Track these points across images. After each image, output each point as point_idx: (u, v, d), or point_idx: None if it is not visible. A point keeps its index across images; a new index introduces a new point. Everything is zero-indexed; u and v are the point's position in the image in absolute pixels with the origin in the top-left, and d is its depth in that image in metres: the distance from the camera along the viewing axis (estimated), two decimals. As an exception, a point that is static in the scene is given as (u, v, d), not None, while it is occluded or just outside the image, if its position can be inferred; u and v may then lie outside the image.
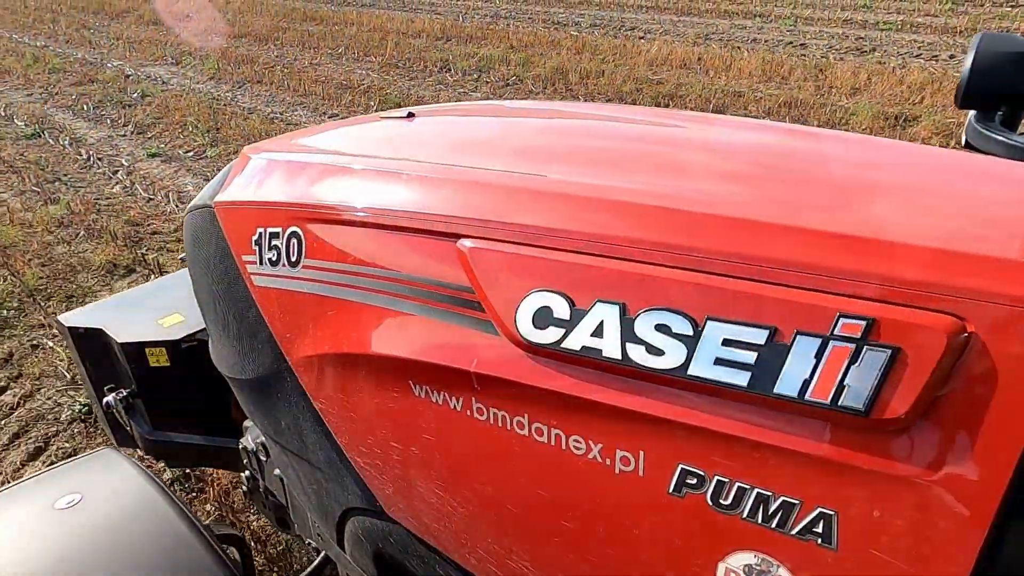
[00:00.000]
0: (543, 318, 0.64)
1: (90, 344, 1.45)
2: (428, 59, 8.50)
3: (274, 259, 0.90)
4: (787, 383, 0.52)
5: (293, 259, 0.87)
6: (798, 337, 0.52)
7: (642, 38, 9.15)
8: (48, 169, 5.62)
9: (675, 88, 6.63)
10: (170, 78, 8.62)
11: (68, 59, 10.00)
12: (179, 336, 1.37)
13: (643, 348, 0.58)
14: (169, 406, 1.49)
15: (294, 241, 0.87)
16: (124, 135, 6.46)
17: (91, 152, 5.98)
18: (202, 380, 1.31)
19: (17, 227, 4.49)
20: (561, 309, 0.63)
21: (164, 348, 1.36)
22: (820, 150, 0.82)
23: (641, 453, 0.61)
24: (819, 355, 0.51)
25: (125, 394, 1.44)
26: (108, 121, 6.91)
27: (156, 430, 1.49)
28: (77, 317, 1.48)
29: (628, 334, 0.59)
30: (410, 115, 1.09)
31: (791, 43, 8.41)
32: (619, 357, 0.60)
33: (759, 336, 0.54)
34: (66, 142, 6.27)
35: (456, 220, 0.73)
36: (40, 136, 6.54)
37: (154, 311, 1.46)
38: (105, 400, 1.44)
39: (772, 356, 0.53)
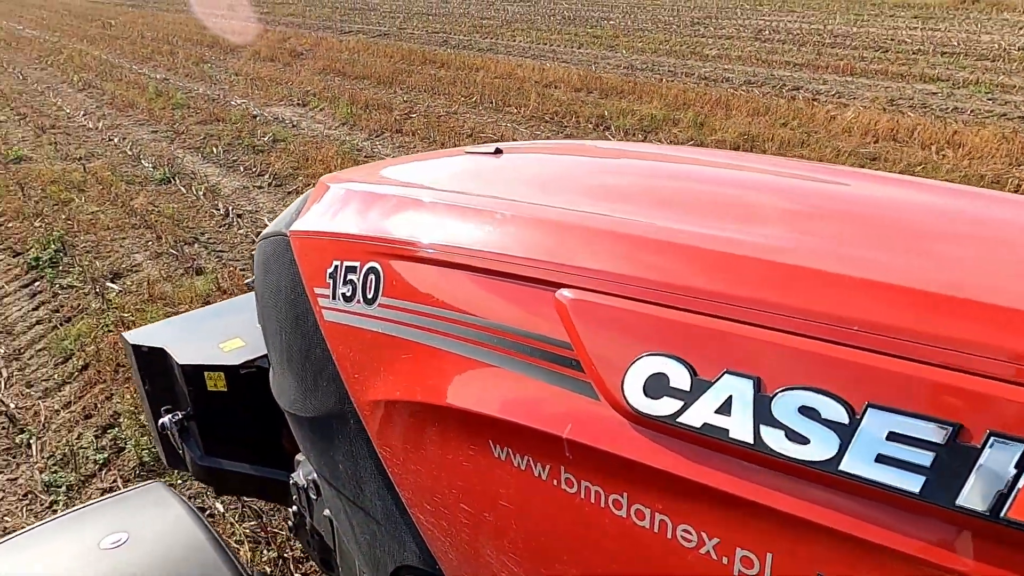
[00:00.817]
0: (657, 386, 0.56)
1: (152, 363, 1.42)
2: (579, 114, 7.66)
3: (348, 294, 0.85)
4: (975, 495, 0.43)
5: (369, 296, 0.82)
6: (992, 440, 0.43)
7: (815, 100, 8.10)
8: (184, 225, 4.91)
9: (904, 168, 5.53)
10: (299, 121, 8.03)
11: (190, 94, 9.63)
12: (238, 362, 1.32)
13: (782, 433, 0.50)
14: (222, 432, 1.45)
15: (372, 277, 0.82)
16: (261, 187, 5.76)
17: (229, 206, 5.26)
18: (257, 409, 1.28)
19: (158, 304, 3.70)
20: (680, 378, 0.55)
21: (222, 373, 1.31)
22: (1007, 215, 0.71)
23: (769, 556, 0.52)
24: (1022, 466, 0.42)
25: (181, 416, 1.39)
26: (241, 168, 6.25)
27: (207, 455, 1.44)
28: (141, 335, 1.46)
29: (763, 415, 0.51)
30: (497, 151, 1.03)
31: (1005, 115, 7.21)
32: (750, 441, 0.51)
33: (937, 433, 0.45)
34: (199, 192, 5.60)
35: (557, 267, 0.67)
36: (171, 182, 5.91)
37: (216, 334, 1.41)
38: (161, 421, 1.39)
39: (956, 460, 0.44)
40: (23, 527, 1.19)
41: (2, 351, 3.38)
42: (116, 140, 7.37)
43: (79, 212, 5.20)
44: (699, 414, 0.53)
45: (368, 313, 0.82)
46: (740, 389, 0.52)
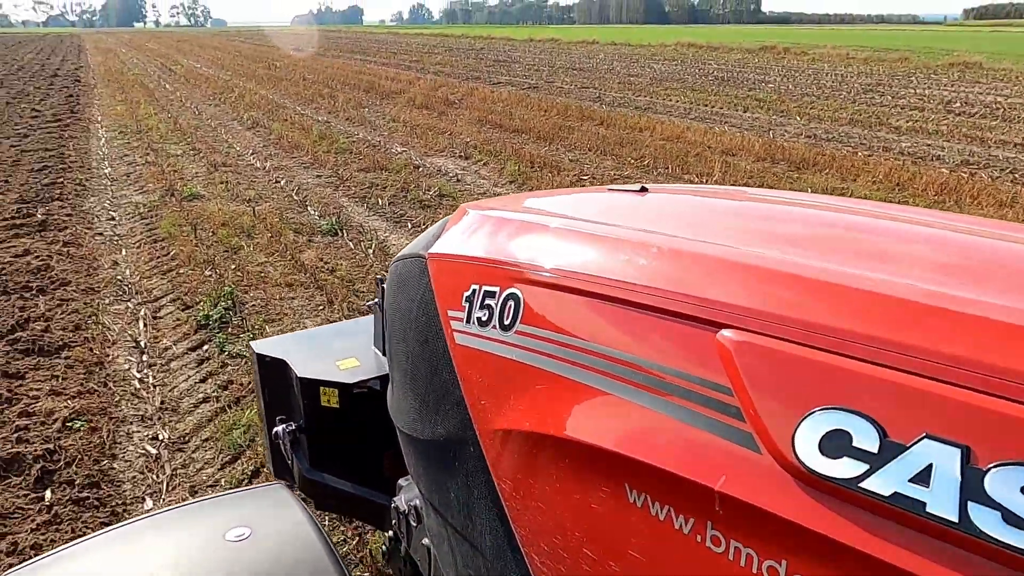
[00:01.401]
0: (836, 444, 0.50)
1: (273, 373, 1.47)
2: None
3: (484, 319, 0.83)
4: None
5: (506, 322, 0.79)
6: None
7: (1065, 190, 6.75)
8: (355, 288, 4.45)
9: None
10: (462, 175, 7.65)
11: (352, 139, 9.60)
12: (352, 380, 1.35)
13: (998, 516, 0.43)
14: (329, 448, 1.46)
15: (511, 303, 0.80)
16: (433, 248, 5.27)
17: (401, 269, 4.78)
18: (364, 429, 1.31)
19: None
20: (865, 437, 0.49)
21: (337, 390, 1.35)
22: None
23: None
24: None
25: (293, 428, 1.43)
26: (409, 224, 5.83)
27: (313, 469, 1.46)
28: (267, 345, 1.51)
29: (973, 491, 0.44)
30: (643, 189, 1.02)
31: None
32: (955, 520, 0.45)
33: None
34: (368, 249, 5.18)
35: (721, 307, 0.62)
36: (338, 235, 5.56)
37: (335, 352, 1.44)
38: (275, 430, 1.43)
39: None
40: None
41: (167, 435, 2.92)
42: (283, 183, 7.25)
43: (248, 261, 4.90)
44: (888, 481, 0.47)
45: (504, 339, 0.79)
46: (943, 458, 0.46)
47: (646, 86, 16.72)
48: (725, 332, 0.59)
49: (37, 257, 4.85)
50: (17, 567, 0.93)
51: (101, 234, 5.61)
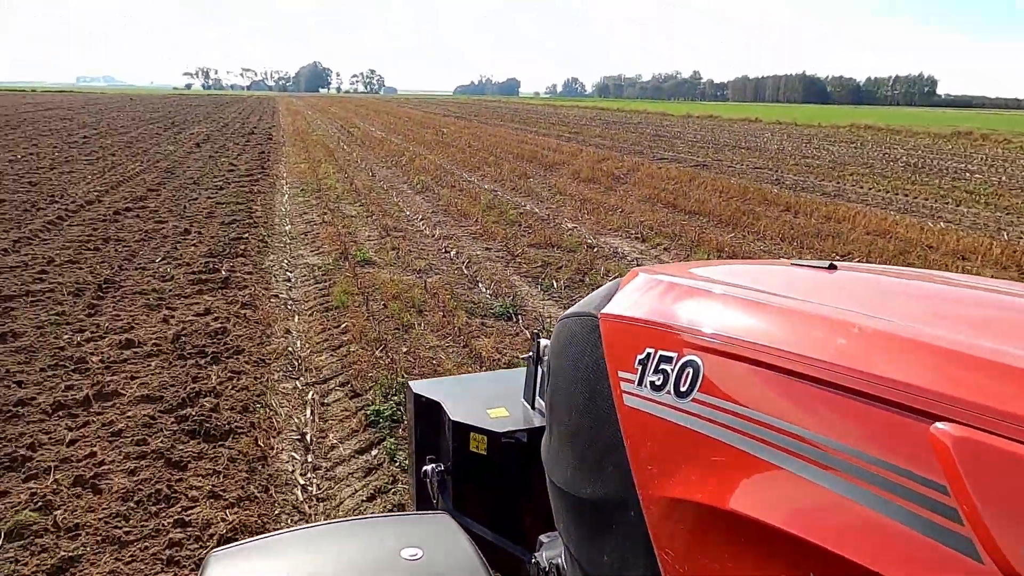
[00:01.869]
0: None
1: (426, 413, 1.51)
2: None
3: (659, 383, 0.81)
4: None
5: (683, 389, 0.77)
6: None
7: None
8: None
9: None
10: (642, 260, 7.00)
11: (520, 210, 9.32)
12: (502, 430, 1.37)
13: None
14: (472, 493, 1.46)
15: (689, 370, 0.77)
16: (621, 348, 4.60)
17: (587, 372, 4.14)
18: (508, 479, 1.33)
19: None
20: None
21: (486, 437, 1.36)
22: None
23: None
24: None
25: (442, 469, 1.45)
26: (589, 314, 5.22)
27: (456, 511, 1.45)
28: (423, 386, 1.56)
29: None
30: (832, 266, 0.96)
31: None
32: None
33: None
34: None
35: (938, 396, 0.57)
36: (513, 320, 5.05)
37: (486, 400, 1.47)
38: (424, 468, 1.46)
39: None
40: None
41: None
42: (452, 253, 6.98)
43: (420, 344, 4.48)
44: None
45: (679, 406, 0.77)
46: None
47: (827, 169, 15.39)
48: (941, 425, 0.54)
49: (216, 318, 4.74)
50: (221, 547, 1.00)
51: (277, 296, 5.50)
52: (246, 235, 7.27)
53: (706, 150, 19.61)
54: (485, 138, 21.58)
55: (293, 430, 3.42)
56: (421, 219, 8.70)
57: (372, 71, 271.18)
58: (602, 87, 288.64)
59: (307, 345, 4.52)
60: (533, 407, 1.44)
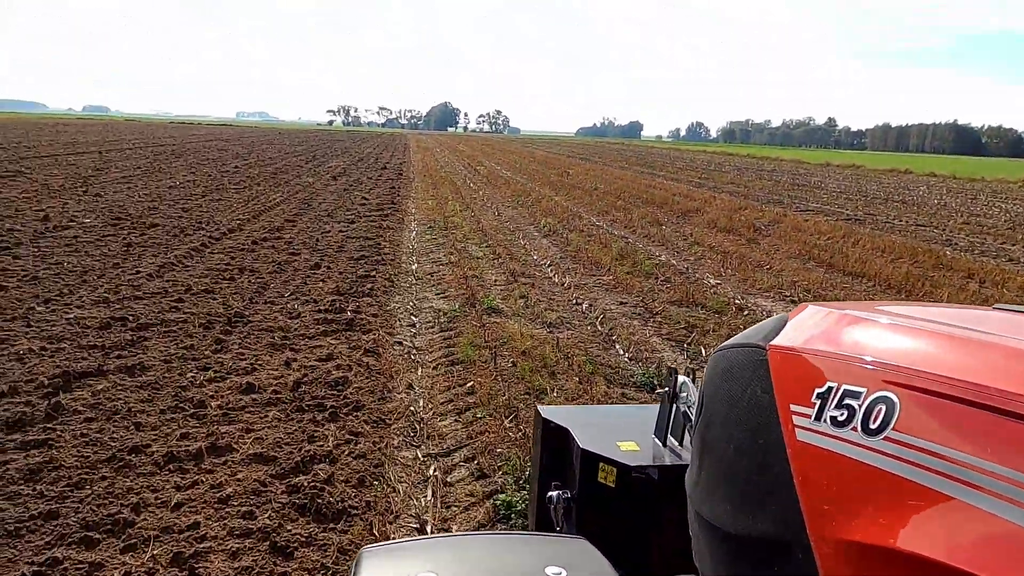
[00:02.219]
0: None
1: (554, 438, 1.52)
2: None
3: (841, 419, 0.75)
4: None
5: (873, 426, 0.72)
6: None
7: None
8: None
9: None
10: (802, 328, 6.11)
11: (656, 261, 8.64)
12: (634, 463, 1.36)
13: None
14: (596, 523, 1.43)
15: (881, 407, 0.72)
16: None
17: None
18: (635, 514, 1.31)
19: None
20: None
21: (616, 468, 1.35)
22: None
23: None
24: None
25: (568, 496, 1.44)
26: (749, 393, 4.45)
27: None
28: (552, 412, 1.58)
29: None
30: None
31: None
32: None
33: None
34: (703, 425, 3.88)
35: None
36: (656, 391, 4.38)
37: (616, 432, 1.47)
38: (549, 494, 1.46)
39: None
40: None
41: None
42: (584, 306, 6.43)
43: (553, 416, 3.91)
44: None
45: (866, 444, 0.72)
46: None
47: (1005, 231, 13.51)
48: None
49: (338, 366, 4.44)
50: (374, 543, 1.07)
51: (400, 343, 5.17)
52: (373, 273, 7.11)
53: (854, 203, 18.00)
54: (611, 181, 21.08)
55: (411, 515, 2.95)
56: (549, 265, 8.25)
57: (498, 111, 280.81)
58: (728, 132, 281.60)
59: (430, 405, 4.09)
60: (664, 444, 1.41)
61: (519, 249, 9.21)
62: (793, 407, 0.81)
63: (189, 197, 12.34)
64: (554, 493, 1.45)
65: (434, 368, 4.71)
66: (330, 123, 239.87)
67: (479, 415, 3.90)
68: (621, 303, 6.68)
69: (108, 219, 9.51)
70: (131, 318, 5.14)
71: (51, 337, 4.67)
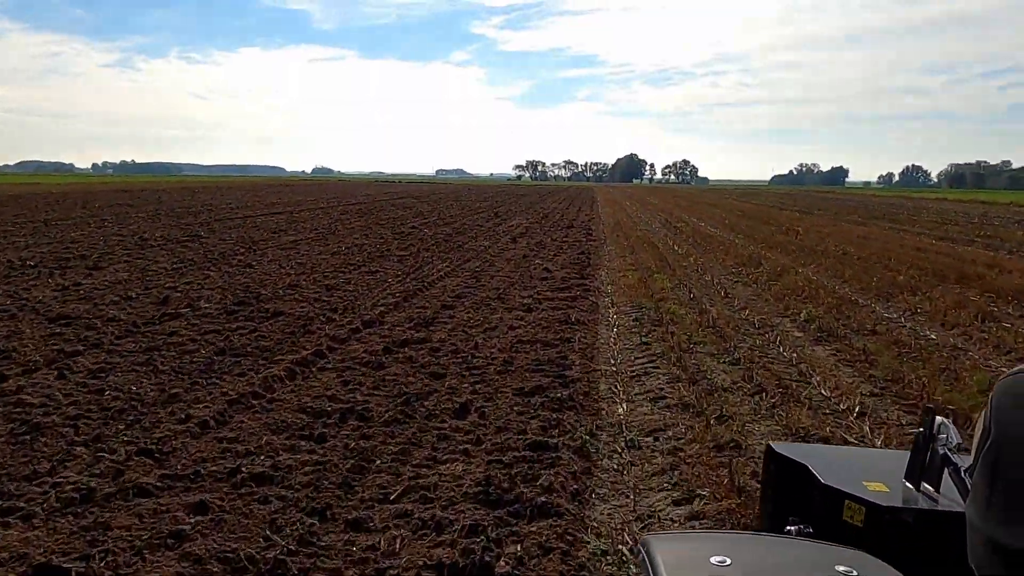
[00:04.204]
0: None
1: (787, 473, 1.49)
2: None
3: None
4: None
5: None
6: None
7: None
8: None
9: None
10: None
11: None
12: (886, 503, 1.27)
13: None
14: None
15: None
16: None
17: None
18: (886, 558, 1.15)
19: None
20: None
21: (864, 508, 1.28)
22: None
23: None
24: None
25: (809, 531, 1.35)
26: None
27: None
28: (787, 448, 1.54)
29: None
30: None
31: None
32: None
33: None
34: None
35: None
36: None
37: (861, 472, 1.41)
38: (788, 528, 1.38)
39: None
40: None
41: None
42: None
43: None
44: None
45: None
46: None
47: None
48: None
49: None
50: (653, 532, 1.16)
51: None
52: (554, 434, 4.07)
53: None
54: (856, 241, 16.47)
55: None
56: (858, 412, 4.65)
57: (686, 161, 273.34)
58: (955, 176, 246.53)
59: None
60: (918, 489, 1.30)
61: (787, 367, 5.71)
62: None
63: (343, 268, 10.47)
64: (792, 528, 1.31)
65: None
66: (519, 178, 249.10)
67: None
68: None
69: (232, 302, 7.63)
70: (97, 555, 2.58)
71: None
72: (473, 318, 7.15)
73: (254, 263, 10.83)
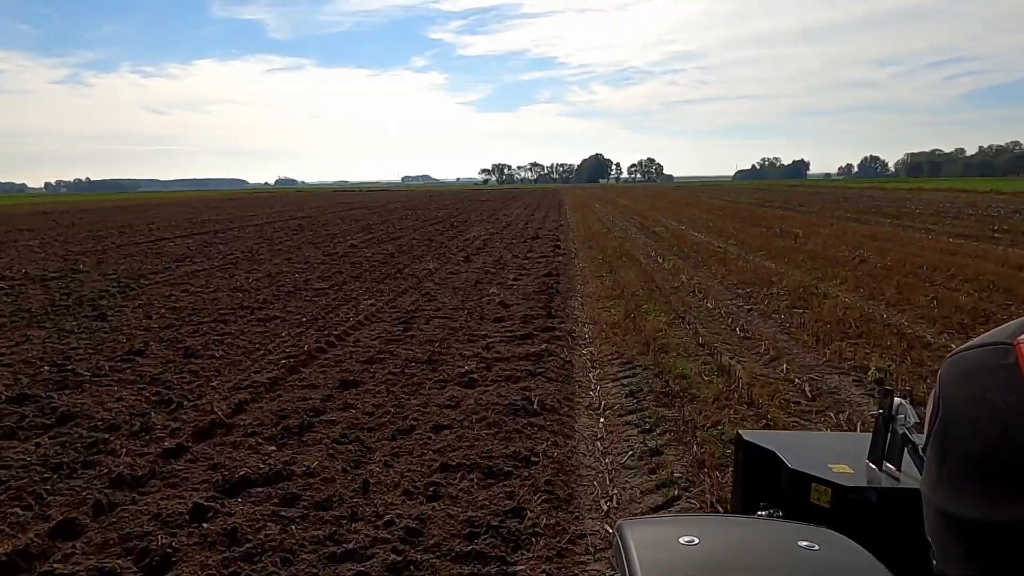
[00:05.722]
0: None
1: (756, 460, 1.53)
2: None
3: None
4: None
5: None
6: None
7: None
8: None
9: None
10: None
11: None
12: (850, 484, 1.32)
13: None
14: None
15: None
16: None
17: None
18: (852, 536, 1.20)
19: None
20: None
21: (830, 489, 1.33)
22: None
23: None
24: None
25: (780, 515, 1.41)
26: None
27: None
28: (755, 436, 1.59)
29: None
30: None
31: None
32: None
33: None
34: None
35: None
36: None
37: (826, 455, 1.45)
38: (759, 513, 1.45)
39: None
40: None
41: None
42: None
43: None
44: None
45: None
46: None
47: None
48: None
49: None
50: (630, 518, 1.20)
51: None
52: None
53: None
54: (868, 244, 14.29)
55: None
56: None
57: (651, 159, 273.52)
58: (912, 165, 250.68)
59: None
60: (881, 469, 1.34)
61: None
62: None
63: (228, 314, 7.81)
64: (763, 513, 1.38)
65: None
66: (484, 182, 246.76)
67: None
68: None
69: (10, 395, 4.95)
70: None
71: None
72: (380, 409, 4.59)
73: (112, 312, 8.11)
